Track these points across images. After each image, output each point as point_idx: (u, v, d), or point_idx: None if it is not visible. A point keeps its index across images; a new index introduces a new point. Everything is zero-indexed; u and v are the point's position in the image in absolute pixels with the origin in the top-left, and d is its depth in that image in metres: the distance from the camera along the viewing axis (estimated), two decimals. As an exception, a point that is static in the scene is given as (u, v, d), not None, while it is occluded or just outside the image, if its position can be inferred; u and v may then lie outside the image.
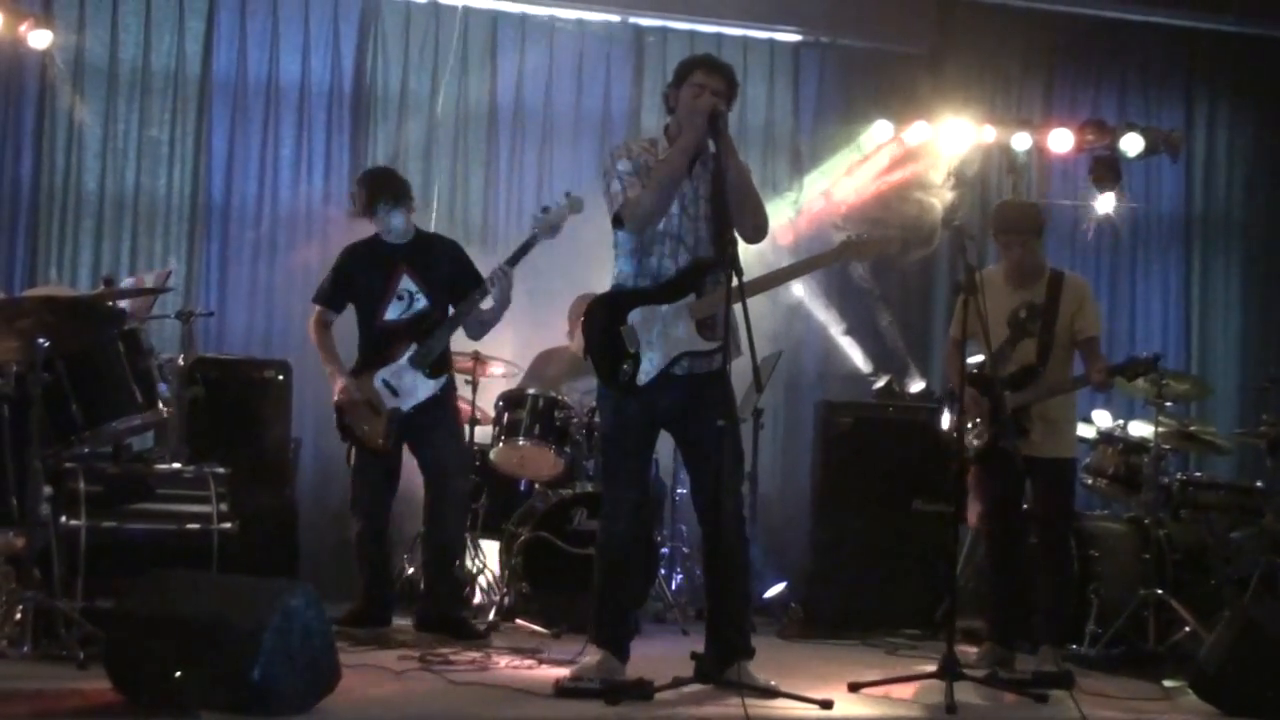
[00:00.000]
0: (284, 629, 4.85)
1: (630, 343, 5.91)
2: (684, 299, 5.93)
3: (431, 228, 8.13)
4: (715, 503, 5.85)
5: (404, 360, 7.00)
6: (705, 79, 5.93)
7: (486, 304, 7.09)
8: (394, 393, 7.01)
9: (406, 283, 7.07)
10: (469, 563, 8.18)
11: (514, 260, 7.03)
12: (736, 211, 5.79)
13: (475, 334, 7.32)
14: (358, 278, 7.14)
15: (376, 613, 7.03)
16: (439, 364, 7.05)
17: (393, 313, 7.07)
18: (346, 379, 7.05)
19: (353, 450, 7.16)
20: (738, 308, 5.52)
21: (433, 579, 7.16)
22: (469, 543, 8.17)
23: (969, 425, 6.80)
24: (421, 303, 7.07)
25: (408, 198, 7.20)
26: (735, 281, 5.51)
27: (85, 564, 6.13)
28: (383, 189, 7.17)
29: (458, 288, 7.12)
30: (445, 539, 7.17)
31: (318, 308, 7.22)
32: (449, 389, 7.17)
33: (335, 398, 7.07)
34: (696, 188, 5.98)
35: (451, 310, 7.11)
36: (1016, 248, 7.02)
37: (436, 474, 7.12)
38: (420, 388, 7.02)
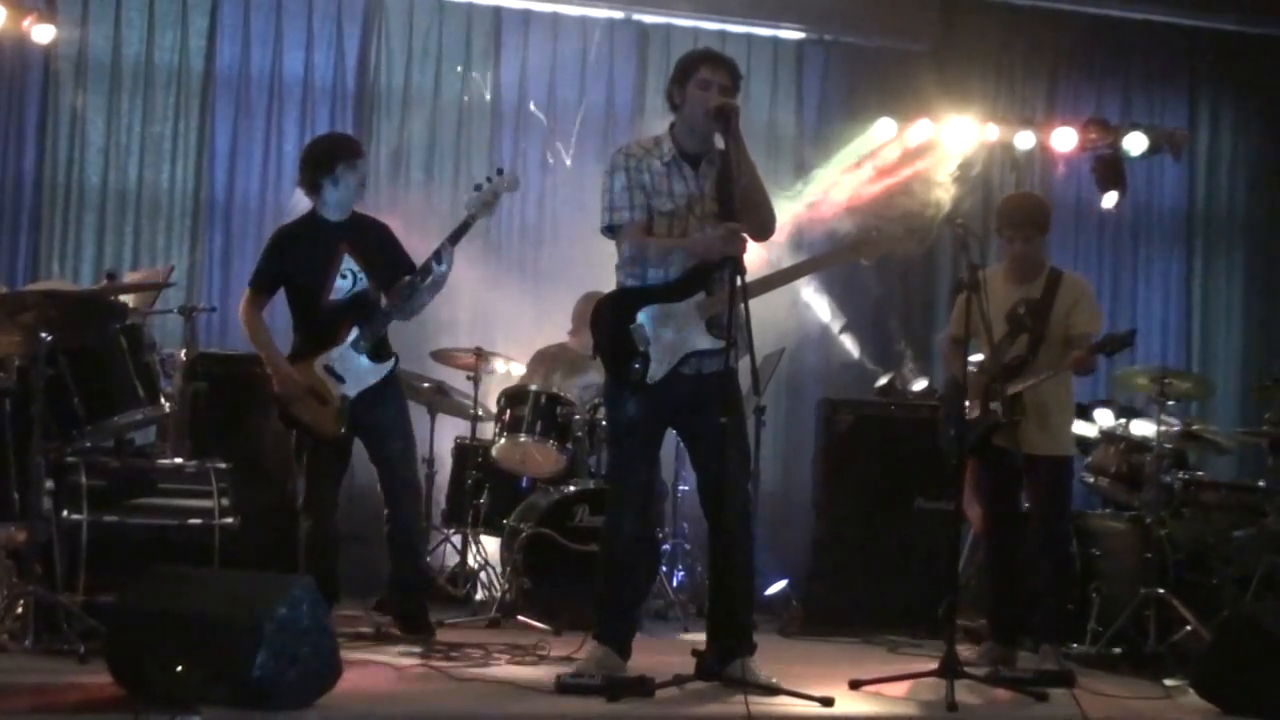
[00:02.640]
0: (285, 624, 4.85)
1: (640, 341, 5.90)
2: (693, 297, 5.93)
3: (434, 223, 8.10)
4: (720, 500, 5.86)
5: (346, 344, 6.79)
6: (711, 75, 5.89)
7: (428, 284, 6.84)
8: (339, 379, 6.78)
9: (348, 262, 6.84)
10: (470, 559, 8.20)
11: (454, 239, 6.81)
12: (745, 211, 5.78)
13: (408, 316, 7.03)
14: (296, 257, 6.89)
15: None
16: (381, 347, 6.87)
17: (337, 293, 6.83)
18: (287, 368, 6.80)
19: (302, 446, 6.91)
20: (734, 309, 5.52)
21: (400, 572, 6.98)
22: (470, 539, 8.19)
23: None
24: (363, 283, 6.85)
25: (361, 156, 7.00)
26: (741, 280, 5.52)
27: (87, 558, 6.12)
28: (341, 145, 7.03)
29: (393, 270, 6.91)
30: (402, 529, 6.97)
31: (249, 291, 6.93)
32: (395, 373, 6.96)
33: (276, 389, 6.81)
34: (702, 186, 5.97)
35: (384, 294, 6.89)
36: (1019, 243, 7.01)
37: (387, 467, 6.93)
38: (367, 373, 6.81)
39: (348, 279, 6.84)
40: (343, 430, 6.81)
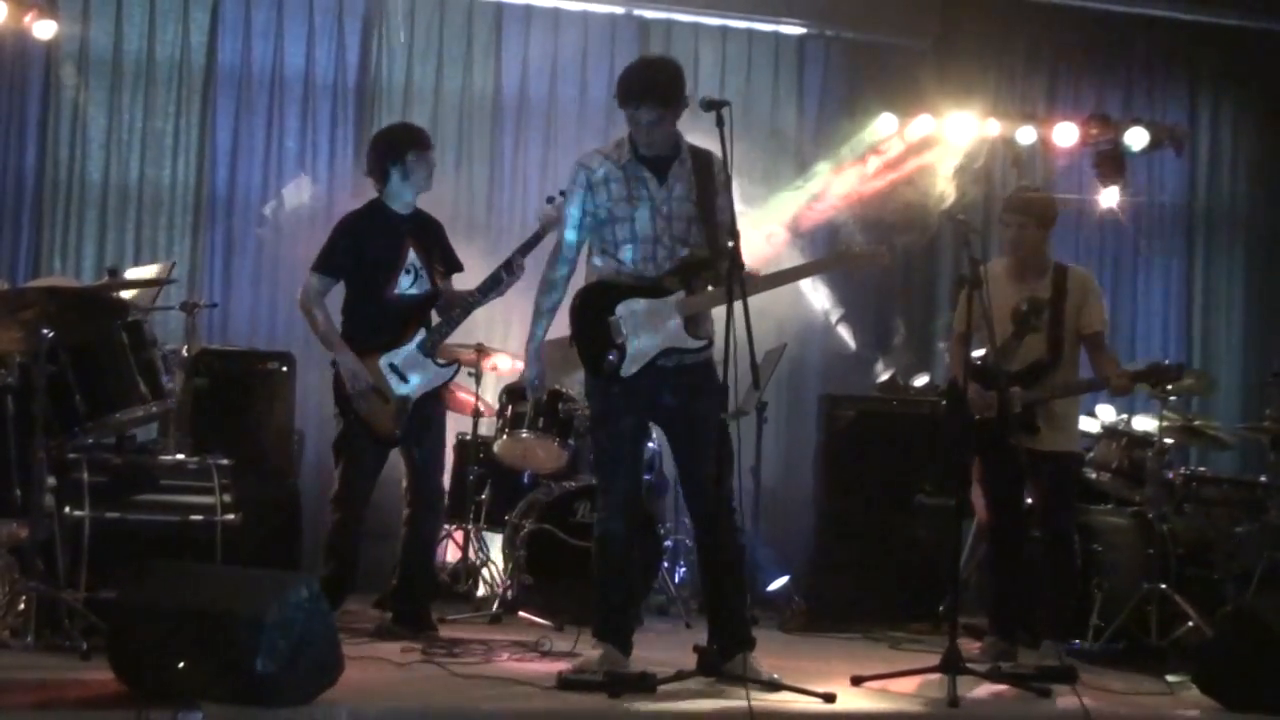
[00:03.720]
0: (286, 620, 4.84)
1: (616, 334, 5.92)
2: (673, 295, 5.94)
3: (437, 218, 8.08)
4: (703, 494, 5.88)
5: (413, 345, 6.82)
6: (635, 113, 5.91)
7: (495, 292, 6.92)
8: (402, 379, 6.80)
9: (413, 257, 6.86)
10: (472, 555, 8.20)
11: (525, 250, 6.88)
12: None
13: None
14: (366, 246, 6.86)
15: (337, 599, 6.72)
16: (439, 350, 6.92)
17: (403, 286, 6.83)
18: (359, 364, 6.76)
19: (344, 439, 6.90)
20: (732, 305, 5.55)
21: (412, 574, 7.00)
22: (472, 535, 8.20)
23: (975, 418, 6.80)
24: (424, 280, 6.88)
25: (431, 147, 7.00)
26: (734, 279, 5.58)
27: (89, 555, 6.12)
28: (412, 134, 7.01)
29: (445, 269, 7.01)
30: (423, 533, 7.04)
31: (314, 278, 6.89)
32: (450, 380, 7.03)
33: (347, 384, 6.75)
34: (671, 189, 5.97)
35: (453, 298, 6.97)
36: (1013, 228, 7.02)
37: (423, 470, 6.96)
38: (432, 376, 6.85)
39: (410, 274, 6.86)
40: (391, 432, 6.82)
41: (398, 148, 6.92)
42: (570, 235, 6.06)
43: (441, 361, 6.95)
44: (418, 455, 6.96)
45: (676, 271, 5.94)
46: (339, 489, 6.94)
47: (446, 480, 8.36)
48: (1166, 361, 7.12)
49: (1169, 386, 7.49)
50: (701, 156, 5.96)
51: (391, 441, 6.89)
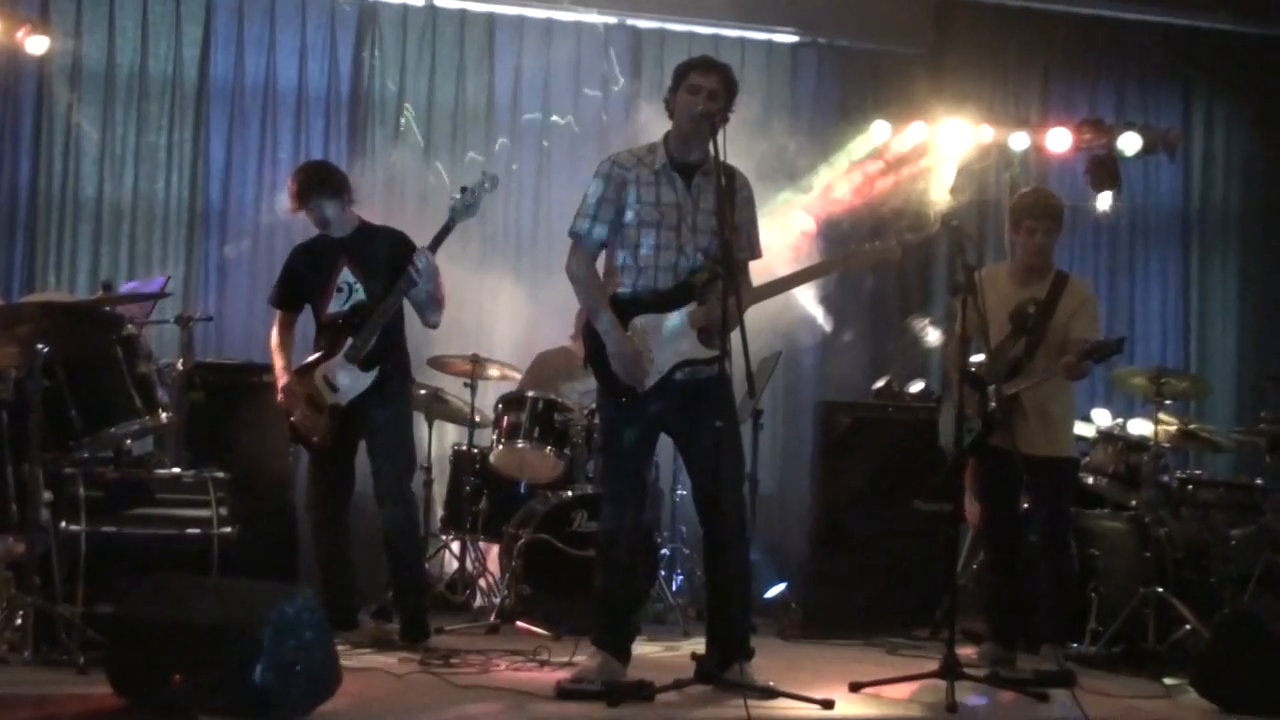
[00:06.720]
0: (284, 633, 4.85)
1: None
2: (685, 307, 5.94)
3: (430, 230, 8.07)
4: (715, 504, 5.86)
5: (341, 355, 6.88)
6: (701, 80, 5.92)
7: (418, 292, 6.91)
8: (333, 389, 6.89)
9: (346, 275, 6.94)
10: (469, 565, 8.20)
11: (434, 245, 6.88)
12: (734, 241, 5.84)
13: (426, 320, 7.11)
14: (302, 274, 7.05)
15: (337, 617, 6.62)
16: (373, 357, 6.87)
17: (334, 306, 6.95)
18: (283, 378, 6.95)
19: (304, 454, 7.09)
20: (726, 313, 5.56)
21: (390, 578, 7.13)
22: (469, 545, 8.19)
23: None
24: (359, 294, 6.93)
25: (344, 189, 7.06)
26: (733, 286, 5.59)
27: (85, 569, 6.12)
28: (315, 180, 7.06)
29: (401, 278, 6.98)
30: (388, 536, 6.98)
31: (273, 308, 7.20)
32: (387, 381, 6.94)
33: (283, 401, 6.97)
34: (695, 199, 5.98)
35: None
36: (1040, 234, 6.97)
37: (373, 473, 6.99)
38: (357, 382, 6.88)
39: (344, 292, 6.94)
40: (328, 439, 6.90)
41: (306, 190, 6.99)
42: (600, 230, 5.99)
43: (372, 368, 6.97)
44: (371, 461, 7.01)
45: (686, 283, 5.95)
46: (305, 503, 7.18)
47: (443, 490, 8.42)
48: (1110, 337, 7.06)
49: (1164, 383, 7.55)
50: (725, 170, 5.92)
51: (316, 448, 6.98)
